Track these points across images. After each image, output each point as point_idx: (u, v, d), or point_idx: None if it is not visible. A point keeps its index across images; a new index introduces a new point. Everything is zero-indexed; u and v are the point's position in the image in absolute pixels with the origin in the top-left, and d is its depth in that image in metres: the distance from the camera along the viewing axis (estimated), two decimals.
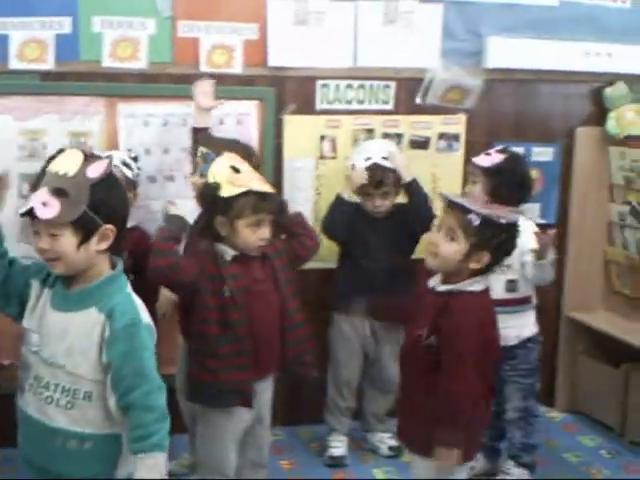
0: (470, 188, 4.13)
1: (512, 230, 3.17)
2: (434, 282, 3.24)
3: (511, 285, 4.06)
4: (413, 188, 4.26)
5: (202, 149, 3.93)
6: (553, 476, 4.39)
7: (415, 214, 4.25)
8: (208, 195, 3.40)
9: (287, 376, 3.76)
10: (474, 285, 3.16)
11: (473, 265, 3.13)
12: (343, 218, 4.27)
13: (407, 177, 4.26)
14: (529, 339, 4.14)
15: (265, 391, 3.59)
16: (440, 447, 3.08)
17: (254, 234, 3.40)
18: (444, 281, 3.20)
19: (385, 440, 4.54)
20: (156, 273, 3.36)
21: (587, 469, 4.50)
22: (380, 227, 4.31)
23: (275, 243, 3.58)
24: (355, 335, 4.42)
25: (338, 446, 4.46)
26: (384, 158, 4.25)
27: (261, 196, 3.38)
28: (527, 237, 3.99)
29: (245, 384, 3.44)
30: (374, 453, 4.57)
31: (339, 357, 4.46)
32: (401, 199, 4.36)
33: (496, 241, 3.11)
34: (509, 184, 4.04)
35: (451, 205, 3.17)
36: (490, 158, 4.10)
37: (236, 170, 3.41)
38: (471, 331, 3.08)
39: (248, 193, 3.35)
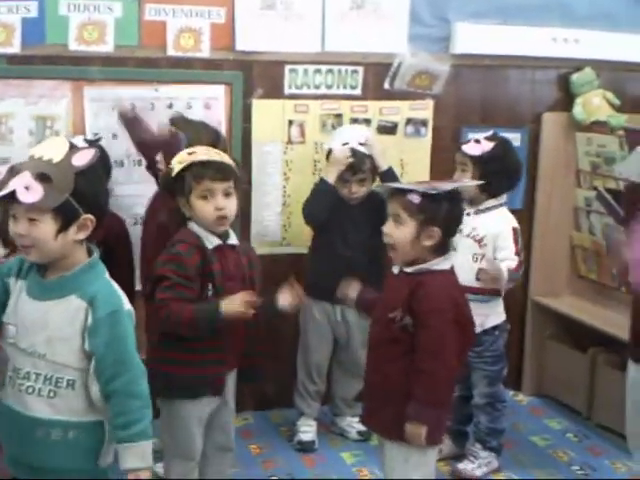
0: (459, 176, 4.12)
1: (453, 198, 3.20)
2: (396, 269, 3.27)
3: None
4: (389, 176, 4.25)
5: (171, 129, 3.92)
6: (520, 459, 4.43)
7: None
8: (166, 180, 3.39)
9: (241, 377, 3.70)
10: (440, 264, 3.19)
11: (427, 242, 3.15)
12: (326, 202, 4.26)
13: (383, 165, 4.27)
14: (495, 327, 4.16)
15: (230, 378, 3.55)
16: (411, 423, 3.09)
17: (207, 205, 3.30)
18: (409, 264, 3.21)
19: (354, 424, 4.54)
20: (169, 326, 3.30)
21: (554, 452, 4.53)
22: (355, 213, 4.30)
23: (252, 254, 3.56)
24: (326, 320, 4.42)
25: (307, 431, 4.47)
26: (361, 144, 4.25)
27: (203, 164, 3.32)
28: (504, 229, 4.02)
29: (218, 376, 3.40)
30: (343, 437, 4.58)
31: (310, 342, 4.47)
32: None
33: (441, 213, 3.14)
34: (499, 172, 4.05)
35: (391, 192, 3.21)
36: (480, 146, 4.09)
37: (191, 153, 3.38)
38: (446, 308, 3.11)
39: (190, 165, 3.30)
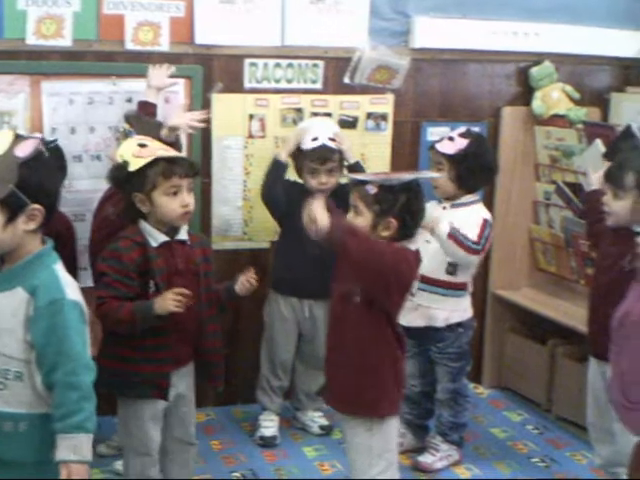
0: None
1: (412, 190, 3.21)
2: None
3: (451, 268, 4.08)
4: (356, 170, 4.24)
5: (125, 126, 3.88)
6: (480, 451, 4.47)
7: None
8: (119, 175, 3.35)
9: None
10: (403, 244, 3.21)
11: (384, 233, 3.17)
12: (280, 179, 4.25)
13: (351, 159, 4.26)
14: (459, 324, 4.17)
15: (185, 373, 3.53)
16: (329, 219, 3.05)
17: (173, 201, 3.30)
18: None
19: (316, 419, 4.56)
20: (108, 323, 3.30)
21: (514, 444, 4.57)
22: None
23: (207, 250, 3.55)
24: (293, 316, 4.40)
25: (269, 426, 4.46)
26: (331, 139, 4.23)
27: (170, 161, 3.31)
28: (475, 220, 4.01)
29: (162, 377, 3.38)
30: (305, 432, 4.58)
31: (275, 337, 4.46)
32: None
33: (398, 204, 3.15)
34: (475, 169, 4.04)
35: (352, 183, 3.26)
36: (453, 144, 4.06)
37: (142, 145, 3.36)
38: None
39: (156, 161, 3.29)
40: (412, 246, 3.23)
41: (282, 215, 4.35)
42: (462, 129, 4.18)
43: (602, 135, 4.40)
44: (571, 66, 5.05)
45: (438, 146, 4.11)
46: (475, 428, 4.66)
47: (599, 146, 4.29)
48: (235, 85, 4.50)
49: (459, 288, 4.14)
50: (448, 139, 4.10)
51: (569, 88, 4.93)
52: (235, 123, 4.53)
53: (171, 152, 3.40)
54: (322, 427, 4.54)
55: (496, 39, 4.86)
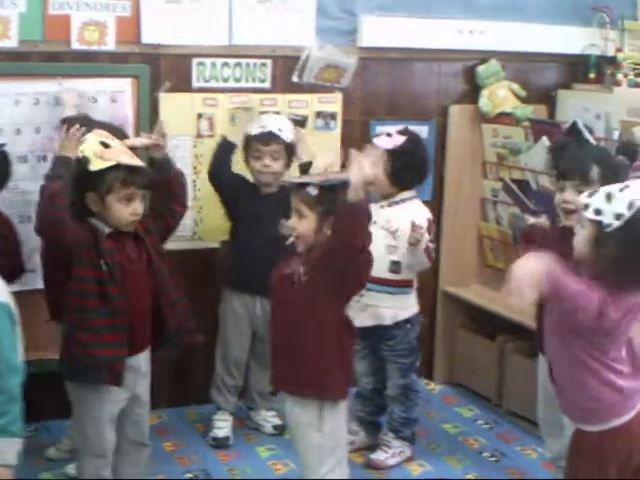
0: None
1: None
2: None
3: (395, 266, 4.10)
4: (306, 168, 4.23)
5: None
6: (432, 447, 4.49)
7: None
8: (76, 171, 3.33)
9: (172, 349, 3.72)
10: None
11: (329, 232, 3.19)
12: (226, 157, 4.29)
13: (304, 156, 4.26)
14: (407, 320, 4.20)
15: (140, 368, 3.51)
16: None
17: (126, 209, 3.33)
18: None
19: (269, 419, 4.55)
20: (45, 224, 3.30)
21: (465, 439, 4.60)
22: (270, 204, 4.22)
23: (143, 222, 3.53)
24: (246, 314, 4.40)
25: (222, 427, 4.44)
26: (279, 130, 4.25)
27: (131, 170, 3.32)
28: (419, 221, 4.03)
29: (117, 361, 3.36)
30: (258, 431, 4.57)
31: (229, 335, 4.44)
32: None
33: (340, 203, 3.16)
34: (410, 166, 4.08)
35: (292, 186, 3.27)
36: (391, 140, 4.10)
37: (106, 145, 3.35)
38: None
39: (117, 167, 3.29)
40: None
41: (231, 204, 4.36)
42: (400, 127, 4.23)
43: (548, 132, 4.45)
44: (517, 64, 5.09)
45: (376, 140, 4.16)
46: (427, 424, 4.68)
47: (545, 143, 4.33)
48: (183, 84, 4.47)
49: (405, 285, 4.18)
50: (386, 135, 4.15)
51: (515, 86, 4.98)
52: (183, 123, 4.49)
53: (134, 159, 3.38)
54: (275, 427, 4.53)
55: (442, 38, 4.89)
